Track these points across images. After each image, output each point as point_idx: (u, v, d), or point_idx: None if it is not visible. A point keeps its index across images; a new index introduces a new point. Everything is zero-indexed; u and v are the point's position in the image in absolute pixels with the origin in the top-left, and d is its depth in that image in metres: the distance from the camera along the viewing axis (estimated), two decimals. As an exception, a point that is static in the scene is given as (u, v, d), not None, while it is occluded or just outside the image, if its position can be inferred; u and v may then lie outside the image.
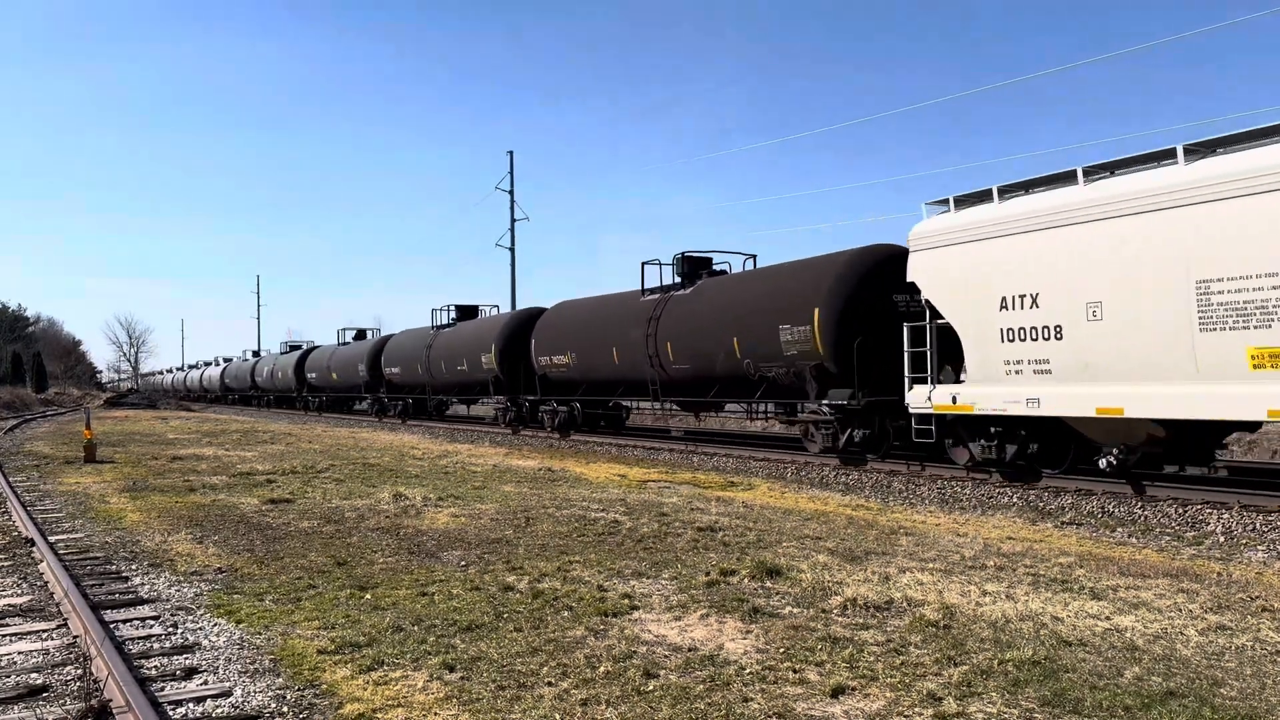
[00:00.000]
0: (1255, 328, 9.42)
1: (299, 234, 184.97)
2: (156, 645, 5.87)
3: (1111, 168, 11.18)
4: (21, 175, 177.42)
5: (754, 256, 20.87)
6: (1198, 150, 10.23)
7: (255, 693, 4.93)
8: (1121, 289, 10.56)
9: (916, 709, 4.56)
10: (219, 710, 4.72)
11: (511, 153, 48.65)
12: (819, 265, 16.32)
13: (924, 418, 13.40)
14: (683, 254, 20.59)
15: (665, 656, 5.42)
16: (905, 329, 13.58)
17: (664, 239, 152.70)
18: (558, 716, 4.52)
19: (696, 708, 4.59)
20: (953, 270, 12.64)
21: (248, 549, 9.00)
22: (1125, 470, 11.64)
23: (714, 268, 20.62)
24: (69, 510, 12.01)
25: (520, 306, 40.73)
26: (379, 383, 37.31)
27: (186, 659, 5.56)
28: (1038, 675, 5.00)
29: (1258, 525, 9.59)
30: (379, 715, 4.57)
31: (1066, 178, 11.45)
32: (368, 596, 6.95)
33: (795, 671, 5.11)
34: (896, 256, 14.71)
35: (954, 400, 12.64)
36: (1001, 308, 11.86)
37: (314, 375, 46.10)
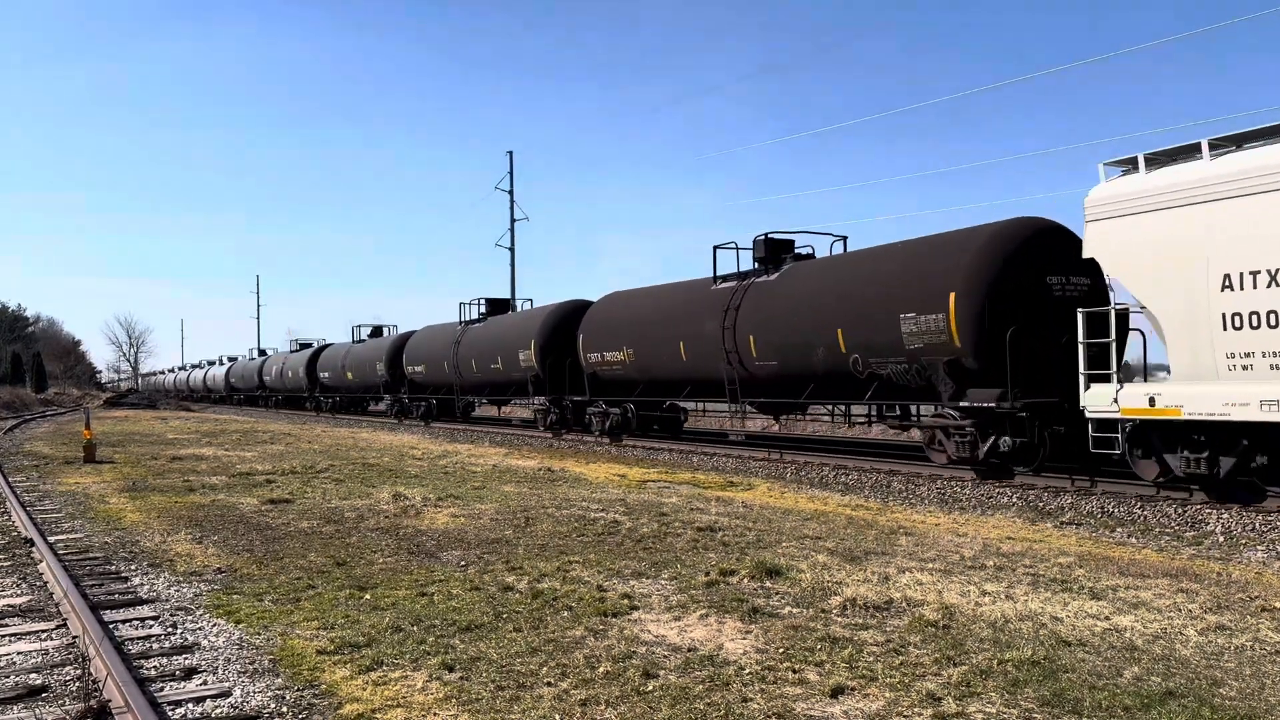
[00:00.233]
0: None
1: (298, 234, 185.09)
2: (156, 645, 5.87)
3: None
4: (21, 175, 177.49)
5: (844, 238, 18.13)
6: None
7: (255, 693, 4.93)
8: None
9: (916, 709, 4.56)
10: (218, 710, 4.72)
11: (511, 153, 48.63)
12: (952, 243, 13.96)
13: (1105, 423, 11.27)
14: (765, 235, 18.05)
15: (665, 657, 5.42)
16: (1080, 316, 11.44)
17: (664, 239, 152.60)
18: (557, 717, 4.52)
19: (696, 708, 4.59)
20: (1148, 243, 10.60)
21: (247, 549, 9.00)
22: None
23: (797, 251, 18.13)
24: (68, 510, 12.01)
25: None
26: (399, 382, 35.35)
27: (186, 659, 5.56)
28: (1037, 675, 5.00)
29: (1257, 525, 9.60)
30: (378, 715, 4.57)
31: None
32: (367, 596, 6.95)
33: (795, 672, 5.11)
34: (1048, 231, 13.21)
35: (1151, 402, 10.56)
36: (1224, 287, 9.86)
37: (327, 375, 44.02)
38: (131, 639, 6.00)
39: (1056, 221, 13.45)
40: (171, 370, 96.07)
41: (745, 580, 7.26)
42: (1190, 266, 10.18)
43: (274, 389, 53.79)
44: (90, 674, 5.16)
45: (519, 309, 30.10)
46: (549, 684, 4.96)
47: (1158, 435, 10.93)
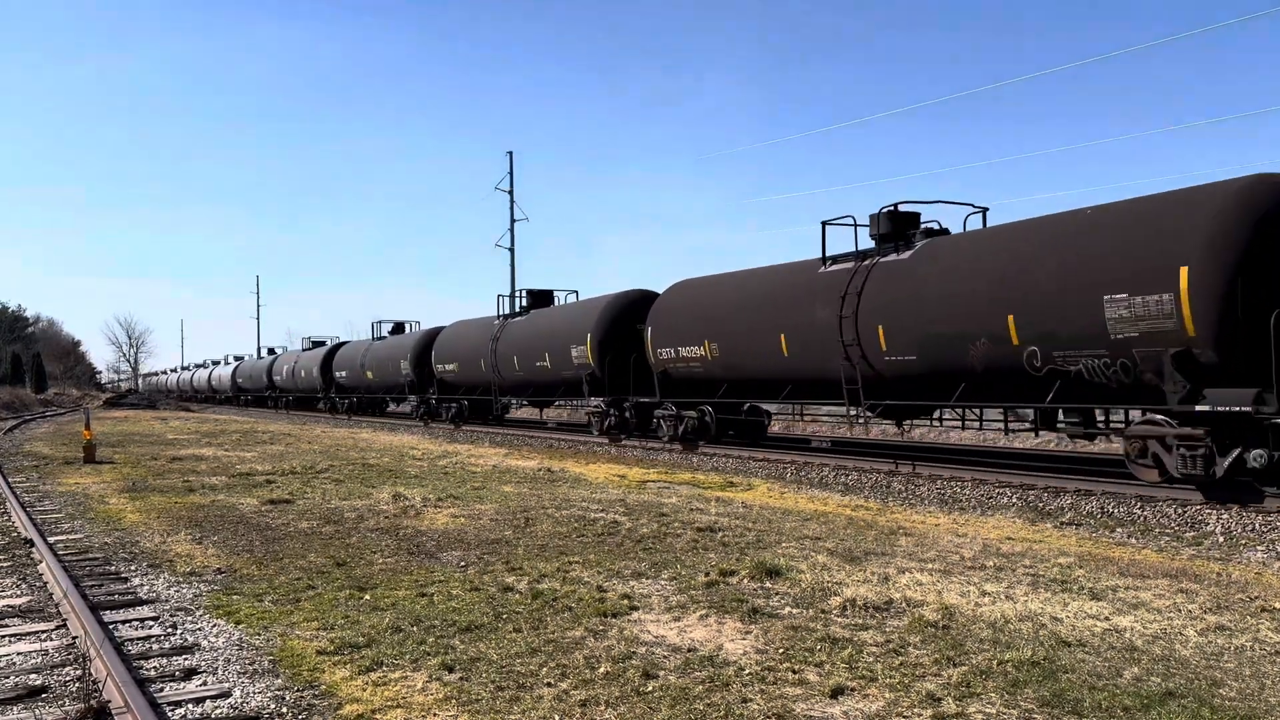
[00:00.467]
0: None
1: (298, 234, 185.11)
2: (156, 646, 5.87)
3: None
4: (21, 174, 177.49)
5: (984, 210, 15.11)
6: None
7: (254, 693, 4.93)
8: None
9: (915, 709, 4.56)
10: (218, 711, 4.72)
11: (511, 153, 48.58)
12: (1179, 203, 11.04)
13: None
14: (893, 206, 15.25)
15: (664, 657, 5.42)
16: None
17: (664, 239, 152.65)
18: (557, 717, 4.52)
19: (696, 708, 4.59)
20: None
21: (247, 549, 9.00)
22: None
23: (924, 225, 15.29)
24: (68, 511, 12.01)
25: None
26: (427, 382, 32.64)
27: (186, 660, 5.56)
28: (1037, 676, 5.01)
29: (1257, 525, 9.60)
30: (378, 716, 4.57)
31: None
32: (367, 597, 6.95)
33: (794, 672, 5.11)
34: None
35: None
36: None
37: (344, 374, 41.12)
38: (131, 639, 6.00)
39: None
40: (174, 370, 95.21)
41: (745, 580, 7.27)
42: None
43: (284, 389, 51.36)
44: (90, 674, 5.16)
45: (558, 302, 27.68)
46: (549, 684, 4.96)
47: None
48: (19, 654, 5.79)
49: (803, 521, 10.34)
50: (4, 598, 7.28)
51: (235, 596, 7.08)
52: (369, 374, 37.84)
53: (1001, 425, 15.50)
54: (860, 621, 6.11)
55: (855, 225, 15.81)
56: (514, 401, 29.57)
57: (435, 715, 4.57)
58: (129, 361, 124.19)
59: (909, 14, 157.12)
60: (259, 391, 56.83)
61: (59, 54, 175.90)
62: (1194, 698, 4.69)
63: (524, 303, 28.03)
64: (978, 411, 15.82)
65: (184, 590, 7.35)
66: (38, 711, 4.76)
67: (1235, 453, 10.34)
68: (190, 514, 11.37)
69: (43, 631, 6.30)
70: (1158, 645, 5.60)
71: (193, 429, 32.49)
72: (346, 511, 11.39)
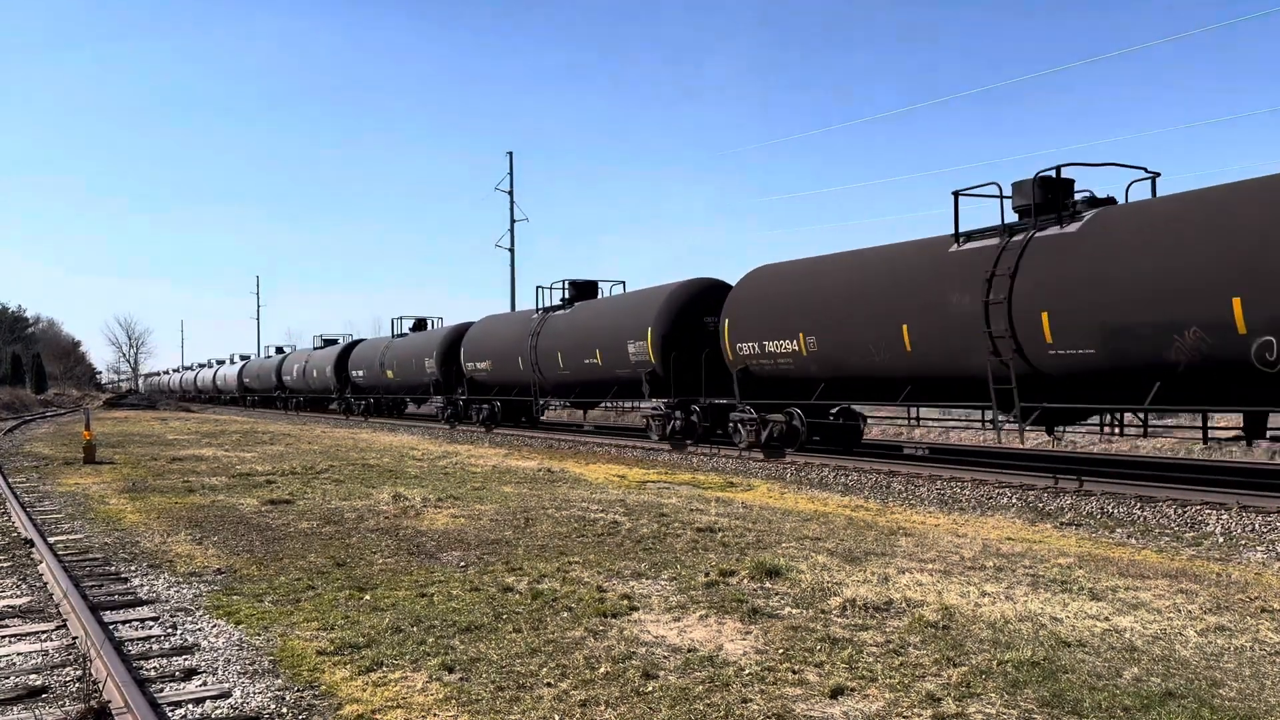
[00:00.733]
0: None
1: (297, 235, 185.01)
2: (156, 646, 5.87)
3: None
4: (21, 174, 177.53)
5: (1155, 176, 12.90)
6: None
7: (254, 694, 4.93)
8: None
9: (915, 710, 4.56)
10: (218, 711, 4.72)
11: (511, 153, 48.57)
12: None
13: None
14: (1057, 169, 12.73)
15: (664, 657, 5.43)
16: None
17: (666, 238, 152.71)
18: (557, 717, 4.53)
19: (696, 708, 4.59)
20: None
21: (247, 550, 9.01)
22: None
23: (1077, 192, 12.86)
24: (68, 511, 12.02)
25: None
26: (455, 381, 30.40)
27: (186, 660, 5.56)
28: (1037, 676, 5.01)
29: (1257, 526, 9.60)
30: (378, 716, 4.57)
31: None
32: (367, 597, 6.95)
33: (794, 672, 5.12)
34: None
35: None
36: None
37: (361, 373, 38.81)
38: (131, 640, 6.01)
39: None
40: (176, 370, 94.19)
41: (745, 581, 7.27)
42: None
43: (295, 389, 48.90)
44: (90, 675, 5.16)
45: (603, 293, 25.29)
46: (549, 684, 4.96)
47: None
48: (19, 654, 5.79)
49: (803, 522, 10.34)
50: (4, 598, 7.28)
51: (235, 597, 7.08)
52: (389, 373, 35.73)
53: (1187, 430, 13.15)
54: (860, 622, 6.12)
55: (1002, 195, 13.16)
56: (557, 403, 27.22)
57: (435, 715, 4.58)
58: (129, 362, 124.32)
59: (913, 11, 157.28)
60: (267, 392, 54.72)
61: (58, 53, 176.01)
62: (1194, 698, 4.69)
63: (565, 294, 25.47)
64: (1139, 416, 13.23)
65: (184, 590, 7.36)
66: (38, 712, 4.76)
67: None
68: (190, 514, 11.37)
69: (43, 632, 6.31)
70: (1158, 645, 5.60)
71: (193, 429, 32.50)
72: (346, 512, 11.39)
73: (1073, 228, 12.13)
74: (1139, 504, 10.92)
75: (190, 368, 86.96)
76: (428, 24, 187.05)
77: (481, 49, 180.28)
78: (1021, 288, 12.29)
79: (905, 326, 14.04)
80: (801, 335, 16.15)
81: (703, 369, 19.19)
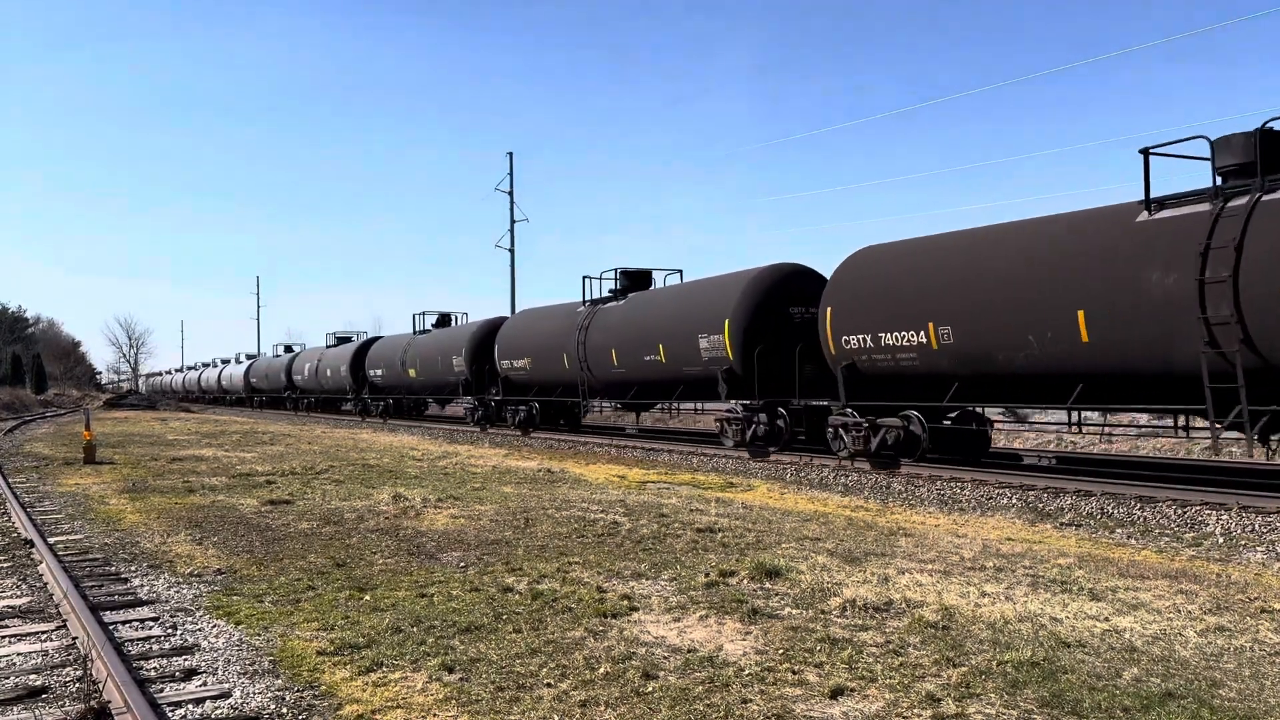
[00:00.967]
0: None
1: (297, 235, 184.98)
2: (156, 646, 5.88)
3: None
4: (20, 174, 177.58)
5: None
6: None
7: (254, 694, 4.94)
8: None
9: (915, 710, 4.56)
10: (218, 711, 4.73)
11: (511, 154, 48.51)
12: None
13: None
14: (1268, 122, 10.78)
15: (664, 658, 5.43)
16: None
17: (666, 239, 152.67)
18: (557, 718, 4.53)
19: (695, 709, 4.60)
20: None
21: (247, 550, 9.01)
22: None
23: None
24: (68, 511, 12.02)
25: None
26: (486, 381, 28.34)
27: (186, 660, 5.57)
28: (1036, 676, 5.01)
29: (1257, 526, 9.60)
30: (378, 716, 4.57)
31: None
32: (367, 598, 6.96)
33: (794, 673, 5.12)
34: None
35: None
36: None
37: (380, 372, 36.81)
38: (131, 640, 6.01)
39: None
40: (178, 370, 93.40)
41: (745, 581, 7.27)
42: None
43: (307, 390, 46.89)
44: (90, 675, 5.16)
45: (658, 283, 23.15)
46: (549, 685, 4.96)
47: None
48: (19, 654, 5.80)
49: (802, 522, 10.35)
50: (4, 598, 7.28)
51: (235, 597, 7.09)
52: (411, 372, 33.53)
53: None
54: (860, 622, 6.12)
55: (1211, 159, 11.14)
56: (599, 405, 25.23)
57: (435, 715, 4.58)
58: (129, 362, 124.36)
59: (912, 15, 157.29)
60: (276, 392, 52.61)
61: (58, 53, 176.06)
62: (1193, 698, 4.70)
63: (615, 285, 23.19)
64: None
65: (184, 591, 7.36)
66: (38, 712, 4.76)
67: None
68: (190, 515, 11.38)
69: (43, 632, 6.31)
70: (1157, 646, 5.60)
71: (193, 430, 32.51)
72: (346, 512, 11.39)
73: None
74: (1139, 504, 10.92)
75: (194, 367, 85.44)
76: (428, 24, 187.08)
77: (481, 48, 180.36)
78: (1251, 262, 10.13)
79: (1082, 313, 11.69)
80: (931, 325, 13.70)
81: (796, 366, 16.90)
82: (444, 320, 34.92)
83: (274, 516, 11.14)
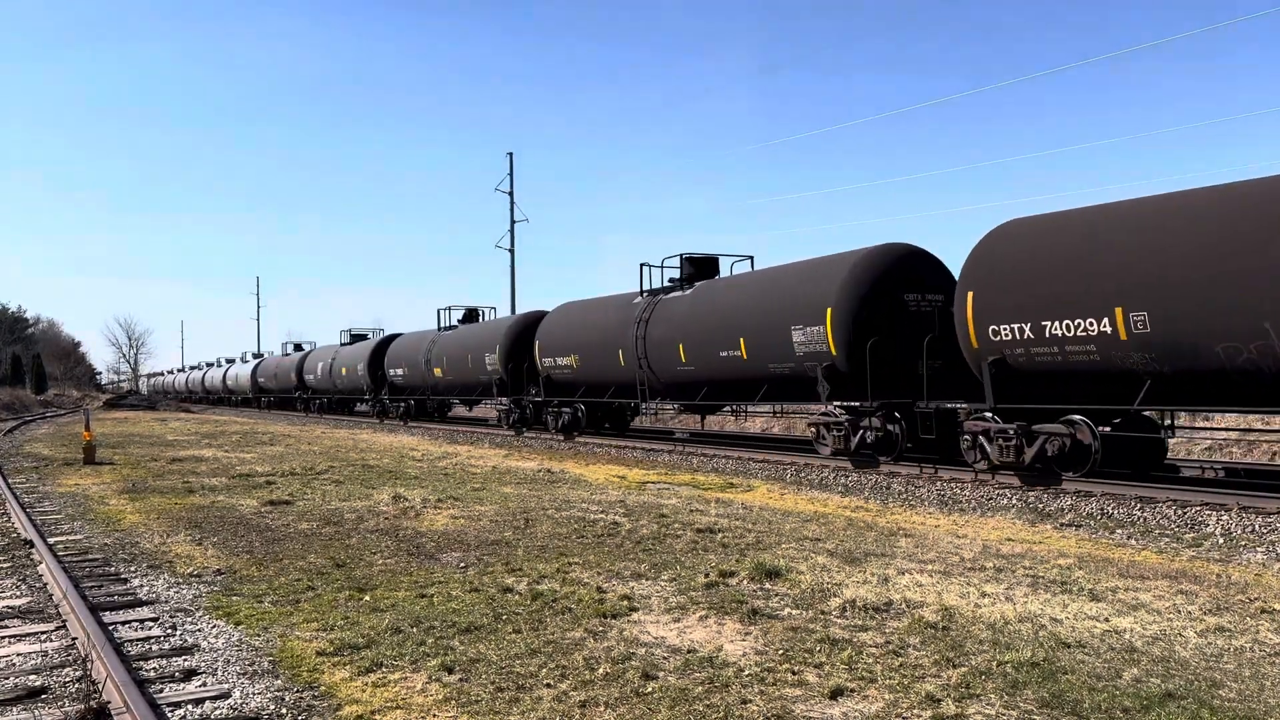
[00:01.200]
0: None
1: (297, 235, 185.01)
2: (155, 647, 5.88)
3: None
4: (20, 175, 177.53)
5: None
6: None
7: (254, 694, 4.93)
8: None
9: (915, 710, 4.56)
10: (218, 712, 4.72)
11: (511, 154, 48.50)
12: None
13: None
14: None
15: (664, 658, 5.43)
16: None
17: (666, 239, 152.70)
18: (556, 718, 4.53)
19: (695, 709, 4.59)
20: None
21: (247, 550, 9.01)
22: None
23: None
24: (68, 512, 12.02)
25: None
26: (524, 380, 26.12)
27: (185, 661, 5.57)
28: (1036, 677, 5.01)
29: (1257, 527, 9.60)
30: (378, 717, 4.57)
31: None
32: (366, 598, 6.95)
33: (794, 673, 5.12)
34: None
35: None
36: None
37: (401, 372, 34.67)
38: (131, 640, 6.01)
39: None
40: (180, 370, 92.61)
41: (745, 582, 7.27)
42: None
43: (319, 390, 44.56)
44: (90, 675, 5.16)
45: (726, 271, 20.71)
46: (548, 685, 4.96)
47: None
48: (19, 655, 5.79)
49: (803, 523, 10.34)
50: (4, 599, 7.28)
51: (235, 597, 7.08)
52: (437, 371, 31.22)
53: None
54: (860, 622, 6.12)
55: None
56: (659, 406, 22.19)
57: (435, 716, 4.58)
58: (129, 362, 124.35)
59: (912, 14, 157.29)
60: (285, 392, 50.36)
61: (58, 53, 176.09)
62: (1193, 699, 4.69)
63: (675, 274, 21.06)
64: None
65: (184, 591, 7.36)
66: (37, 712, 4.76)
67: None
68: (190, 515, 11.37)
69: (43, 632, 6.31)
70: (1157, 646, 5.60)
71: (192, 430, 32.51)
72: (346, 513, 11.39)
73: None
74: (1139, 505, 10.92)
75: (197, 367, 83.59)
76: (428, 23, 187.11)
77: (481, 48, 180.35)
78: None
79: None
80: (1120, 311, 11.24)
81: (923, 361, 14.07)
82: (471, 315, 32.73)
83: (274, 517, 11.14)
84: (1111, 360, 11.57)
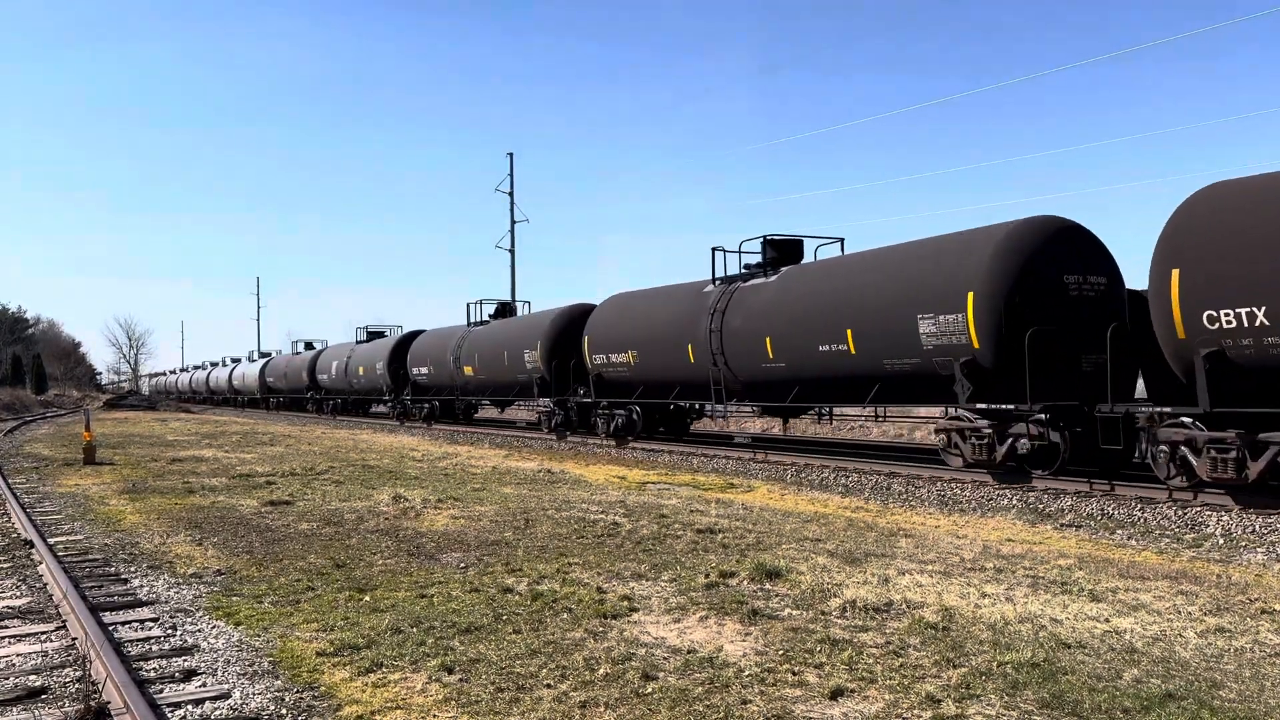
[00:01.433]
0: None
1: (297, 235, 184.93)
2: (155, 647, 5.87)
3: None
4: (20, 175, 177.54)
5: None
6: None
7: (254, 694, 4.93)
8: None
9: (915, 711, 4.56)
10: (218, 712, 4.72)
11: (511, 154, 48.49)
12: None
13: None
14: None
15: (664, 658, 5.42)
16: None
17: (667, 239, 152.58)
18: (556, 718, 4.53)
19: (695, 710, 4.59)
20: None
21: (247, 551, 9.01)
22: None
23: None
24: (68, 512, 12.02)
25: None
26: (567, 378, 23.63)
27: (185, 661, 5.56)
28: (1036, 677, 5.01)
29: (1257, 527, 9.60)
30: (378, 717, 4.57)
31: None
32: (366, 598, 6.95)
33: (794, 674, 5.12)
34: None
35: None
36: None
37: (424, 371, 32.40)
38: (131, 641, 6.00)
39: None
40: (184, 370, 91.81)
41: (745, 582, 7.27)
42: None
43: (334, 390, 42.46)
44: (90, 675, 5.16)
45: (810, 255, 18.11)
46: (548, 685, 4.96)
47: None
48: (19, 655, 5.79)
49: (803, 523, 10.34)
50: (4, 599, 7.28)
51: (235, 598, 7.08)
52: (468, 370, 28.70)
53: None
54: (860, 623, 6.11)
55: None
56: (734, 409, 19.99)
57: (435, 716, 4.57)
58: (129, 363, 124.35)
59: (912, 14, 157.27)
60: (297, 393, 48.47)
61: (58, 53, 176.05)
62: (1194, 699, 4.69)
63: (749, 263, 18.66)
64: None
65: (184, 591, 7.36)
66: (37, 712, 4.76)
67: None
68: (190, 515, 11.37)
69: (43, 633, 6.31)
70: (1157, 647, 5.60)
71: (192, 430, 32.51)
72: (346, 513, 11.39)
73: None
74: (1139, 505, 10.91)
75: (201, 366, 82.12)
76: (428, 23, 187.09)
77: (481, 48, 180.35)
78: None
79: None
80: None
81: (1108, 355, 11.62)
82: (504, 310, 30.25)
83: (274, 517, 11.13)
84: None
